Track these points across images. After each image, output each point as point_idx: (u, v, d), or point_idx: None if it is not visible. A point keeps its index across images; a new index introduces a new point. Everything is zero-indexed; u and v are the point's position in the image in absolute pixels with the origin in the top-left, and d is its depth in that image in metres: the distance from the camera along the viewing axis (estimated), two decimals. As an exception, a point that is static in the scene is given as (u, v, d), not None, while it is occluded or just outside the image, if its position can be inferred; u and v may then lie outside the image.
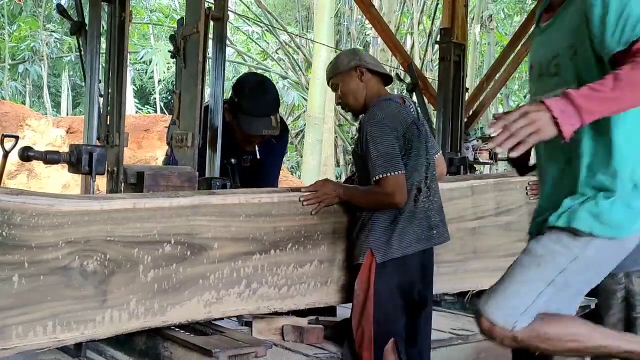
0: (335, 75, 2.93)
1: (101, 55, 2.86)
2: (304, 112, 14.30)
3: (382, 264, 2.70)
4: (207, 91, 3.81)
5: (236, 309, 2.70)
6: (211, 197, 2.61)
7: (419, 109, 3.00)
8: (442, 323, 3.30)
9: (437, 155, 3.02)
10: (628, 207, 1.99)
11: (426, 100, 4.84)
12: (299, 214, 2.81)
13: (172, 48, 3.06)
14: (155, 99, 18.34)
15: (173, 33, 3.13)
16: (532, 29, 2.54)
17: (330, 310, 3.18)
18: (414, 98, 4.39)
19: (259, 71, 17.10)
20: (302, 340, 2.91)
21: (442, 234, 2.87)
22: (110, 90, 2.78)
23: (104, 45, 2.89)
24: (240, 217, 2.65)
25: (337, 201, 2.86)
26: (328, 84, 3.02)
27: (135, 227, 2.35)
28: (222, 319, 2.75)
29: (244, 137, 3.45)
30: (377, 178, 2.69)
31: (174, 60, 3.11)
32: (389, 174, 2.67)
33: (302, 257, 2.84)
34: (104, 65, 2.83)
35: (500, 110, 15.17)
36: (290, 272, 2.81)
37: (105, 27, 2.82)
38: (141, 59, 16.54)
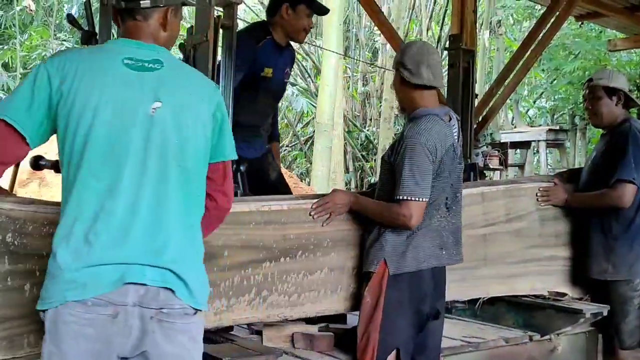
0: (399, 72, 2.85)
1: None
2: (313, 118, 14.31)
3: (394, 275, 2.69)
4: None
5: (246, 316, 2.70)
6: None
7: (459, 126, 2.92)
8: (453, 330, 3.29)
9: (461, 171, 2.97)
10: None
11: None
12: (308, 221, 2.81)
13: (181, 56, 3.07)
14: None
15: (182, 41, 3.14)
16: None
17: (340, 318, 3.17)
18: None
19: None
20: (312, 347, 2.90)
21: (452, 256, 2.85)
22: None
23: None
24: (250, 225, 2.65)
25: (346, 210, 2.86)
26: None
27: None
28: (232, 326, 2.75)
29: (298, 27, 3.61)
30: (401, 198, 2.66)
31: (184, 68, 3.12)
32: (414, 198, 2.65)
33: (312, 264, 2.83)
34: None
35: (510, 116, 15.12)
36: (299, 279, 2.80)
37: (115, 36, 2.83)
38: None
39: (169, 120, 1.84)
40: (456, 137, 2.84)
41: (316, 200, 2.85)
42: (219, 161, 1.98)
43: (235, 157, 2.03)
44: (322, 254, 2.85)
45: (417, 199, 2.65)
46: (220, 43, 3.05)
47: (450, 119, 2.85)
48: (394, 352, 2.68)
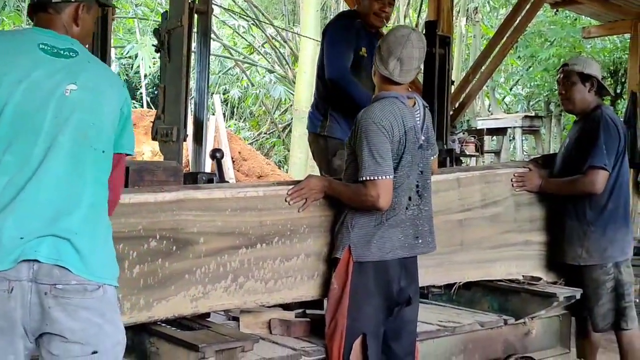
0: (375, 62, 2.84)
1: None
2: (291, 106, 14.26)
3: (359, 262, 2.69)
4: (192, 85, 3.79)
5: (222, 303, 2.69)
6: (196, 191, 2.60)
7: (426, 112, 2.89)
8: (430, 315, 3.31)
9: (432, 158, 2.95)
10: None
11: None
12: (284, 207, 2.80)
13: (156, 42, 3.05)
14: (141, 93, 18.20)
15: (157, 27, 3.11)
16: None
17: (317, 303, 3.17)
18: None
19: (245, 66, 17.08)
20: (289, 333, 2.91)
21: (428, 244, 2.85)
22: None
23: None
24: (226, 211, 2.64)
25: (322, 195, 2.85)
26: None
27: (119, 222, 2.32)
28: (209, 313, 2.74)
29: (367, 11, 3.61)
30: (365, 179, 2.65)
31: (159, 54, 3.09)
32: (377, 177, 2.63)
33: (288, 250, 2.83)
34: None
35: (487, 103, 15.21)
36: (276, 265, 2.80)
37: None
38: (126, 53, 16.40)
39: (85, 102, 1.89)
40: (419, 122, 2.80)
41: (292, 186, 2.84)
42: (117, 152, 2.02)
43: (133, 154, 2.09)
44: (298, 240, 2.85)
45: (380, 177, 2.63)
46: (195, 29, 3.03)
47: (415, 104, 2.82)
48: (360, 338, 2.68)
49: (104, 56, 2.69)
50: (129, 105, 2.04)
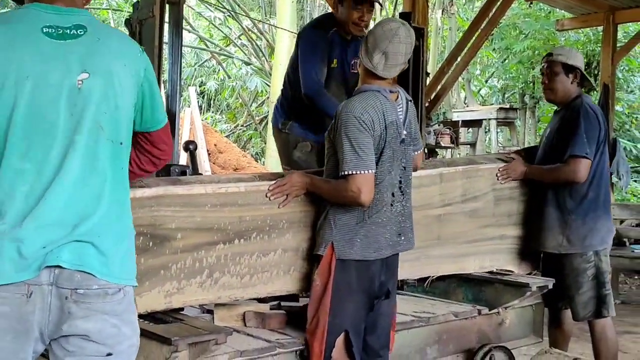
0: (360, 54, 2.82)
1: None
2: (267, 98, 14.21)
3: (341, 260, 2.67)
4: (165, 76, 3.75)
5: (196, 298, 2.68)
6: (176, 187, 2.56)
7: (409, 106, 2.85)
8: (405, 306, 3.32)
9: (415, 153, 2.92)
10: None
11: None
12: (265, 203, 2.77)
13: (128, 33, 3.01)
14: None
15: (128, 17, 3.07)
16: None
17: (292, 296, 3.17)
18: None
19: (221, 57, 16.97)
20: (263, 325, 2.90)
21: (409, 240, 2.84)
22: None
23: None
24: (206, 207, 2.61)
25: (303, 192, 2.81)
26: None
27: None
28: (182, 308, 2.72)
29: (352, 19, 3.57)
30: (346, 173, 2.60)
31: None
32: (358, 172, 2.58)
33: (266, 245, 2.80)
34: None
35: (462, 95, 15.30)
36: (253, 261, 2.78)
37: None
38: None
39: (98, 91, 1.78)
40: (401, 117, 2.76)
41: (273, 181, 2.80)
42: (158, 129, 1.98)
43: (165, 122, 2.01)
44: (277, 236, 2.82)
45: (362, 171, 2.59)
46: (167, 19, 3.00)
47: (398, 98, 2.78)
48: (343, 334, 2.68)
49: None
50: (150, 75, 1.91)
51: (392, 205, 2.72)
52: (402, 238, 2.78)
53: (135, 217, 2.34)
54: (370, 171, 2.61)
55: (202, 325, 2.45)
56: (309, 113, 3.64)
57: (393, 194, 2.73)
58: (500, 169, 3.66)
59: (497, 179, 3.65)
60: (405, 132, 2.77)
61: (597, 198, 3.57)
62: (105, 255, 1.77)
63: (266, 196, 2.75)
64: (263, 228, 2.78)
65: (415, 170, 3.01)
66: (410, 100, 2.89)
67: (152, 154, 2.04)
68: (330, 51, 3.64)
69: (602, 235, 3.60)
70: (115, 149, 1.83)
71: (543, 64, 3.77)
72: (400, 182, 2.76)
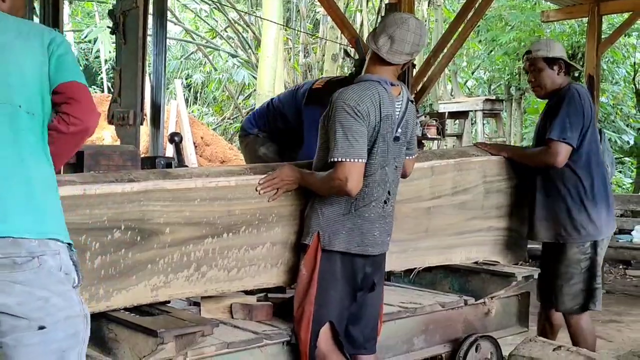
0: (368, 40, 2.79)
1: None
2: (254, 90, 14.17)
3: (326, 250, 2.66)
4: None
5: (183, 291, 2.66)
6: (165, 181, 2.52)
7: (409, 106, 2.79)
8: (391, 297, 3.33)
9: (408, 158, 2.89)
10: None
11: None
12: (255, 197, 2.74)
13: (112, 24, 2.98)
14: (102, 78, 17.89)
15: (112, 8, 3.04)
16: None
17: (279, 287, 3.17)
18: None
19: (207, 50, 16.88)
20: (250, 317, 2.89)
21: (389, 240, 2.82)
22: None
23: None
24: (195, 201, 2.57)
25: (295, 186, 2.77)
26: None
27: (84, 214, 2.26)
28: (169, 301, 2.71)
29: None
30: (334, 160, 2.55)
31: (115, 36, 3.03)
32: (347, 159, 2.53)
33: (255, 239, 2.78)
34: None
35: (449, 87, 15.32)
36: (241, 254, 2.76)
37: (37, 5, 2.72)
38: (85, 37, 16.09)
39: None
40: (398, 114, 2.71)
41: (264, 175, 2.76)
42: (62, 82, 1.93)
43: (83, 82, 1.97)
44: (266, 229, 2.80)
45: (351, 159, 2.53)
46: (151, 10, 2.97)
47: (400, 95, 2.73)
48: (327, 324, 2.68)
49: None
50: (60, 45, 1.94)
51: (385, 202, 2.69)
52: (388, 238, 2.78)
53: (122, 211, 2.36)
54: (360, 160, 2.55)
55: (188, 317, 2.44)
56: (282, 141, 3.82)
57: (389, 192, 2.71)
58: (479, 145, 3.71)
59: (478, 146, 3.70)
60: (399, 131, 2.72)
61: (592, 186, 3.49)
62: (15, 214, 1.74)
63: (256, 190, 2.71)
64: (252, 222, 2.75)
65: (404, 177, 2.97)
66: (412, 101, 2.83)
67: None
68: None
69: (599, 225, 3.51)
70: (26, 115, 1.85)
71: (525, 63, 3.72)
72: (393, 180, 2.74)
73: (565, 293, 3.53)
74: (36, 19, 2.79)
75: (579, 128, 3.43)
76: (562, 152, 3.40)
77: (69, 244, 1.86)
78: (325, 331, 2.67)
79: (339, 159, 2.54)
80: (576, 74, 11.17)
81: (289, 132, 3.79)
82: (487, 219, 3.70)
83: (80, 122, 1.91)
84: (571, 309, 3.53)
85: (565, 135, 3.39)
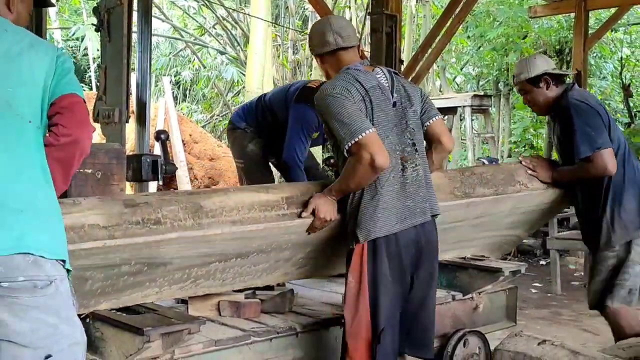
0: (316, 55, 2.84)
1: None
2: (243, 87, 14.13)
3: (370, 244, 2.57)
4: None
5: (173, 295, 2.67)
6: (194, 231, 2.35)
7: (395, 76, 2.79)
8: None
9: (432, 121, 2.82)
10: None
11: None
12: (279, 234, 2.64)
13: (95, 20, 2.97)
14: (90, 76, 17.80)
15: (97, 5, 3.02)
16: None
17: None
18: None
19: (196, 47, 16.82)
20: (238, 314, 2.89)
21: (433, 204, 2.73)
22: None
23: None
24: (215, 242, 2.46)
25: (336, 208, 2.67)
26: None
27: (98, 258, 2.19)
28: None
29: None
30: (348, 146, 2.51)
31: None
32: (358, 137, 2.49)
33: (261, 260, 2.73)
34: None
35: (438, 84, 15.35)
36: (242, 270, 2.73)
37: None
38: (72, 35, 15.99)
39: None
40: (385, 83, 2.70)
41: (297, 209, 2.61)
42: (63, 94, 1.91)
43: (81, 95, 1.95)
44: (275, 253, 2.74)
45: (360, 136, 2.48)
46: (135, 7, 2.96)
47: (374, 70, 2.75)
48: (382, 329, 2.59)
49: (39, 36, 2.59)
50: (66, 62, 1.95)
51: (403, 170, 2.64)
52: (427, 204, 2.68)
53: (138, 254, 2.26)
54: (369, 131, 2.50)
55: (174, 316, 2.43)
56: (270, 137, 3.88)
57: (402, 159, 2.65)
58: (528, 161, 3.54)
59: (526, 172, 3.51)
60: (396, 96, 2.71)
61: (622, 185, 3.40)
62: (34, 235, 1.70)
63: (307, 233, 2.66)
64: (265, 250, 2.68)
65: (445, 145, 2.86)
66: (395, 72, 2.83)
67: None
68: (318, 126, 3.74)
69: (625, 226, 3.41)
70: (25, 125, 1.82)
71: (515, 87, 3.72)
72: (411, 144, 2.68)
73: (589, 291, 3.52)
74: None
75: (602, 128, 3.36)
76: (607, 158, 3.32)
77: (68, 270, 1.81)
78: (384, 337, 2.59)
79: (352, 142, 2.50)
80: (564, 69, 11.22)
81: (277, 128, 3.80)
82: (498, 230, 3.68)
83: (69, 134, 1.86)
84: (590, 305, 3.54)
85: (597, 145, 3.31)
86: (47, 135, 1.88)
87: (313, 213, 2.61)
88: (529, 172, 3.52)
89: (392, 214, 2.58)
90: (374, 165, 2.48)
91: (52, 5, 2.35)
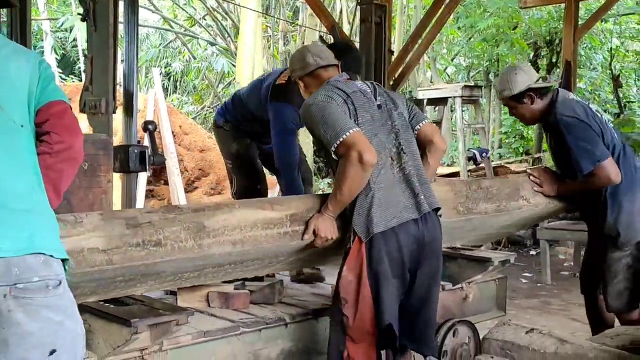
0: (296, 77, 2.93)
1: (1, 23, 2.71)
2: (234, 79, 14.08)
3: (368, 241, 2.58)
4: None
5: (160, 289, 2.66)
6: (193, 252, 2.31)
7: (376, 85, 2.88)
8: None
9: (421, 124, 2.87)
10: None
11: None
12: (277, 252, 2.65)
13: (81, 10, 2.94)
14: (79, 68, 17.70)
15: (82, -6, 2.99)
16: None
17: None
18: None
19: (186, 38, 16.73)
20: (227, 305, 2.89)
21: (431, 201, 2.73)
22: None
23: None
24: (214, 257, 2.43)
25: (336, 226, 2.68)
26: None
27: (93, 276, 2.15)
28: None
29: None
30: (334, 148, 2.55)
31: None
32: (341, 138, 2.53)
33: (255, 264, 2.72)
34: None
35: (428, 74, 15.34)
36: (233, 272, 2.73)
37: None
38: (61, 25, 15.87)
39: None
40: (366, 89, 2.79)
41: (298, 228, 2.61)
42: (49, 101, 1.93)
43: (67, 102, 1.98)
44: (270, 259, 2.75)
45: (344, 135, 2.53)
46: (122, -4, 2.93)
47: (351, 79, 2.84)
48: (388, 324, 2.61)
49: (24, 27, 2.57)
50: (48, 69, 1.96)
51: (392, 167, 2.67)
52: (422, 197, 2.68)
53: (136, 272, 2.25)
54: (353, 130, 2.55)
55: (163, 307, 2.43)
56: (252, 132, 3.92)
57: (392, 157, 2.69)
58: (534, 174, 3.53)
59: (532, 187, 3.51)
60: (379, 99, 2.78)
61: (622, 187, 3.38)
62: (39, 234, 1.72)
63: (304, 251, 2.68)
64: (261, 258, 2.67)
65: (436, 145, 2.89)
66: (378, 84, 2.92)
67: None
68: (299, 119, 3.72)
69: (635, 220, 3.40)
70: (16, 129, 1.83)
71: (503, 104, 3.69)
72: (397, 145, 2.72)
73: (610, 293, 3.46)
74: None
75: (596, 139, 3.34)
76: (609, 169, 3.31)
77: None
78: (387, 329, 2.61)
79: (336, 143, 2.54)
80: (554, 60, 11.23)
81: (256, 121, 3.85)
82: (491, 230, 3.68)
83: (62, 141, 1.89)
84: (617, 308, 3.48)
85: (596, 158, 3.30)
86: (40, 144, 1.90)
87: (314, 232, 2.62)
88: (535, 188, 3.51)
89: (387, 210, 2.60)
90: (363, 162, 2.50)
91: (15, 5, 2.31)
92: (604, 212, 3.40)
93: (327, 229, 2.63)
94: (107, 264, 2.07)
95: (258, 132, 3.85)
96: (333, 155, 2.59)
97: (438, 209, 2.77)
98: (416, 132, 2.86)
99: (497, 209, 3.31)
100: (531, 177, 3.55)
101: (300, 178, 3.80)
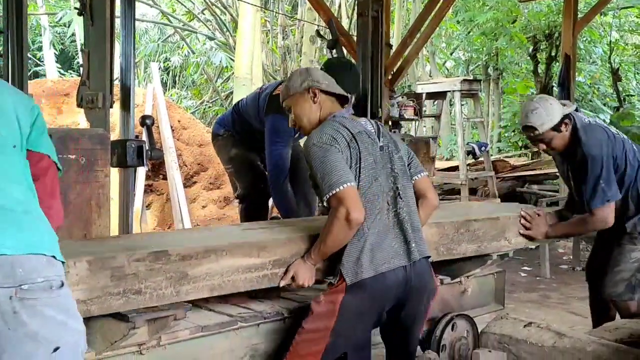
0: (288, 96, 2.80)
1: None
2: (232, 73, 14.06)
3: (352, 285, 2.55)
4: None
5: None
6: (170, 298, 2.31)
7: (380, 126, 2.82)
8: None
9: (418, 177, 2.84)
10: None
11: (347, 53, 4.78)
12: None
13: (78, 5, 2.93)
14: (78, 63, 17.67)
15: (79, -11, 2.99)
16: None
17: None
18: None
19: (185, 33, 16.71)
20: (225, 300, 2.88)
21: (420, 246, 2.69)
22: (10, 53, 2.64)
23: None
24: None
25: (314, 280, 2.68)
26: (282, 105, 2.88)
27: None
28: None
29: None
30: (327, 197, 2.53)
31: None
32: (337, 189, 2.50)
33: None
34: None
35: (428, 69, 15.32)
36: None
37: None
38: (59, 20, 15.85)
39: None
40: (371, 129, 2.74)
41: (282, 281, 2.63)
42: (38, 151, 1.97)
43: (55, 160, 2.01)
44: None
45: (339, 188, 2.50)
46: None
47: (360, 118, 2.80)
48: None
49: (20, 22, 2.56)
50: (40, 114, 1.99)
51: (388, 211, 2.65)
52: (413, 245, 2.65)
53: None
54: (348, 184, 2.52)
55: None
56: (252, 140, 3.96)
57: (388, 202, 2.66)
58: (525, 217, 3.52)
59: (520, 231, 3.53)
60: (382, 140, 2.74)
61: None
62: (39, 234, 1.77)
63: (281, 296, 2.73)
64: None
65: (430, 202, 2.87)
66: (381, 124, 2.88)
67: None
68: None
69: None
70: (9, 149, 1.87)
71: (530, 138, 3.56)
72: (395, 189, 2.69)
73: (608, 280, 3.50)
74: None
75: (613, 177, 3.38)
76: (609, 213, 3.38)
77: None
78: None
79: (329, 195, 2.53)
80: (553, 53, 11.22)
81: (255, 132, 3.91)
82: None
83: (42, 200, 1.92)
84: (609, 295, 3.53)
85: (606, 198, 3.35)
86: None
87: (292, 278, 2.64)
88: (521, 231, 3.52)
89: (378, 255, 2.58)
90: (349, 219, 2.49)
91: None
92: (626, 209, 3.46)
93: (306, 277, 2.65)
94: (84, 314, 2.05)
95: (257, 143, 3.88)
96: (324, 204, 2.59)
97: (428, 257, 2.75)
98: (412, 182, 2.83)
99: (477, 249, 3.34)
100: (521, 220, 3.54)
101: (289, 188, 3.84)
